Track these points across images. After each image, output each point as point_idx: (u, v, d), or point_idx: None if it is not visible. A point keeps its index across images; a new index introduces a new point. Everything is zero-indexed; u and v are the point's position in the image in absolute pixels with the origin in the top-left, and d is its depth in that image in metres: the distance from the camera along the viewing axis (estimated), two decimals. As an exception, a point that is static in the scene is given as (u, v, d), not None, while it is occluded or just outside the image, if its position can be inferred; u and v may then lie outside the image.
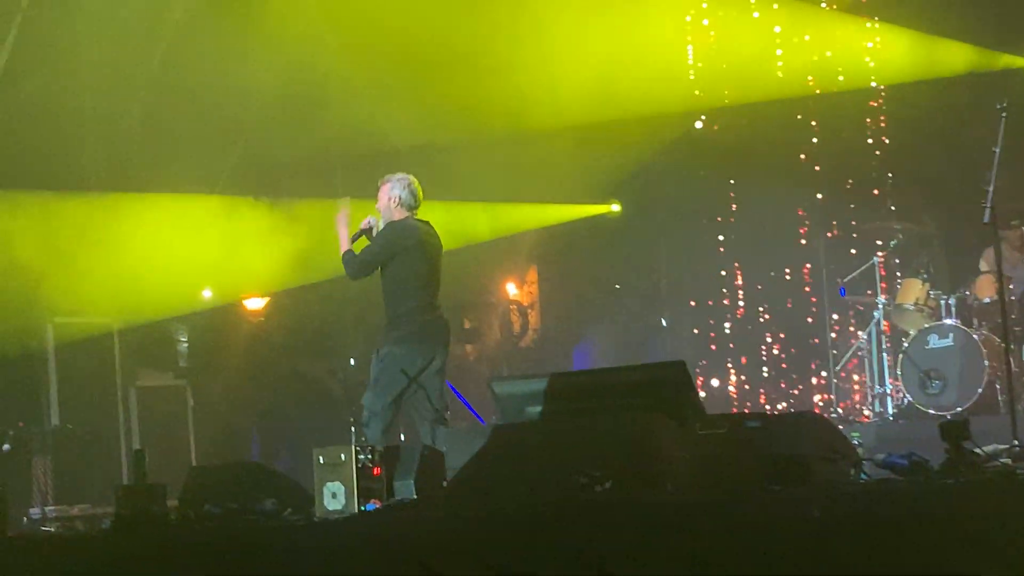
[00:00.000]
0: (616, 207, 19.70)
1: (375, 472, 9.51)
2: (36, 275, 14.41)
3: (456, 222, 17.52)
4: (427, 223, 11.03)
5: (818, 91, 17.45)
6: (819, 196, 17.44)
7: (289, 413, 15.65)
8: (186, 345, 16.16)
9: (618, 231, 19.33)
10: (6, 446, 13.56)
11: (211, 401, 15.35)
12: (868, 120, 17.28)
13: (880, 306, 14.94)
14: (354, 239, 11.02)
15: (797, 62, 17.49)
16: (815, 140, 17.49)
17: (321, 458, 9.53)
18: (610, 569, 6.96)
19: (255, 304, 16.70)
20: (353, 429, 10.28)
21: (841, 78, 17.39)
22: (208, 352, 15.71)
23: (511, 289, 20.60)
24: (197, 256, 15.45)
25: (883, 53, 17.27)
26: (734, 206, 18.19)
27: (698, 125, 18.43)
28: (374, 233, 11.00)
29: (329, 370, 15.14)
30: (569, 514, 7.97)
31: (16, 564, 9.60)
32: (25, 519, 12.93)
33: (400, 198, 10.85)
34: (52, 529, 12.15)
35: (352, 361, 15.10)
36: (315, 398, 15.46)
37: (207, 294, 16.70)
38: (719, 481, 8.24)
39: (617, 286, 20.09)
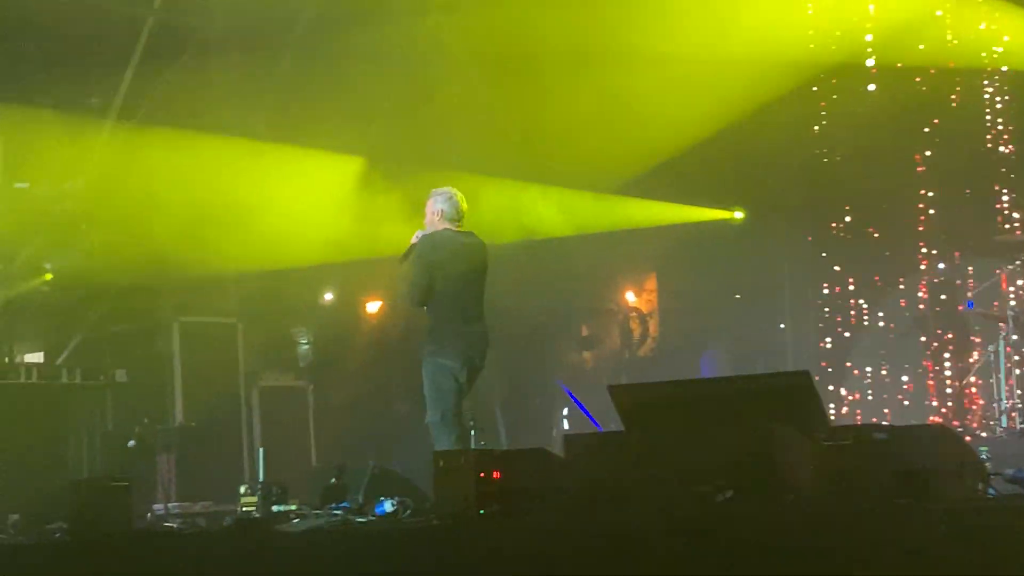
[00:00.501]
0: (739, 214, 19.53)
1: (494, 476, 9.46)
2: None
3: (566, 211, 17.54)
4: (470, 233, 10.99)
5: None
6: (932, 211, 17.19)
7: (408, 416, 15.69)
8: (307, 346, 16.28)
9: (740, 239, 19.17)
10: (131, 442, 13.76)
11: (332, 402, 15.45)
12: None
13: (1009, 319, 14.64)
14: (407, 255, 10.94)
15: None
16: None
17: (441, 461, 9.50)
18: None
19: (374, 307, 16.79)
20: (473, 433, 10.25)
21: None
22: (329, 354, 15.81)
23: (630, 296, 20.52)
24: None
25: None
26: (848, 217, 17.99)
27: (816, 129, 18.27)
28: None
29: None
30: (690, 523, 7.89)
31: (140, 559, 9.72)
32: (149, 515, 13.10)
33: (443, 211, 10.82)
34: (175, 525, 12.28)
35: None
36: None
37: (328, 296, 16.84)
38: (844, 493, 8.09)
39: (737, 296, 19.93)
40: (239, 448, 14.44)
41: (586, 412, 16.50)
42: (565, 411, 18.13)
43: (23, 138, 14.31)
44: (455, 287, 10.82)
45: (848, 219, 18.03)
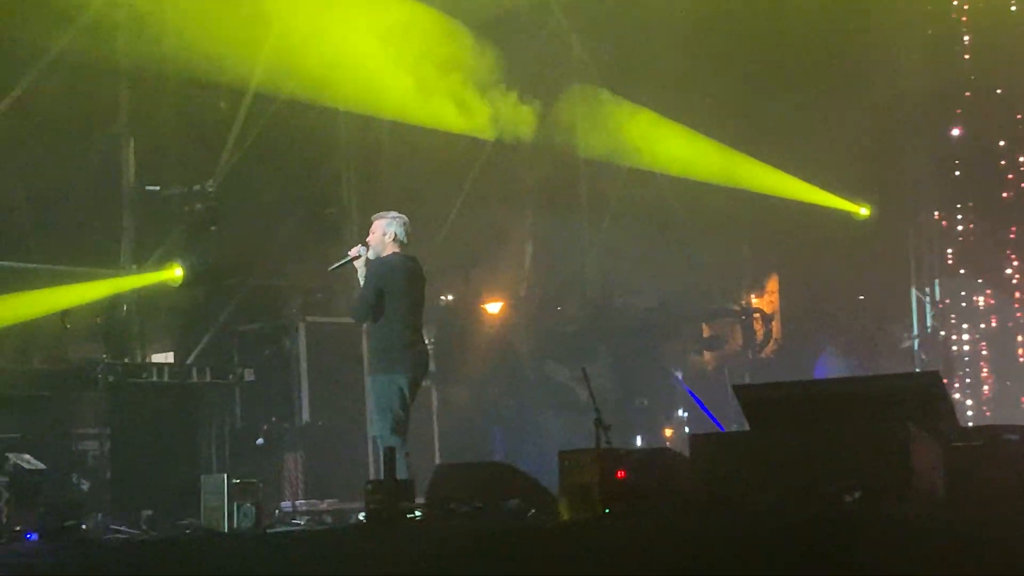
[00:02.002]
0: (865, 211, 19.29)
1: (619, 475, 9.43)
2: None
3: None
4: (414, 258, 11.42)
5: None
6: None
7: (533, 415, 15.72)
8: (431, 346, 16.37)
9: (865, 239, 18.95)
10: (260, 440, 13.91)
11: (455, 401, 15.50)
12: None
13: None
14: (342, 264, 11.44)
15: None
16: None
17: (566, 460, 9.49)
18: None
19: (495, 308, 16.85)
20: (597, 433, 10.20)
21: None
22: (453, 354, 15.87)
23: (753, 298, 20.39)
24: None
25: None
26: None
27: (955, 133, 18.02)
28: (363, 261, 11.29)
29: (574, 375, 15.15)
30: (817, 524, 7.79)
31: (270, 556, 9.82)
32: (277, 512, 13.23)
33: (396, 235, 11.30)
34: (302, 523, 12.40)
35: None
36: (559, 401, 15.49)
37: (445, 300, 16.93)
38: (975, 495, 7.97)
39: (861, 297, 19.71)
40: (364, 446, 14.52)
41: (708, 412, 16.41)
42: (682, 411, 18.04)
43: (154, 141, 14.55)
44: (405, 308, 11.19)
45: (975, 219, 17.76)
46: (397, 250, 11.32)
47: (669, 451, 9.98)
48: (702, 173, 18.21)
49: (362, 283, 11.27)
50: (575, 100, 17.61)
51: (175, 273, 14.19)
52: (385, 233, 11.33)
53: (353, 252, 11.38)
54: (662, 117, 17.97)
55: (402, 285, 11.20)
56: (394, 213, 11.46)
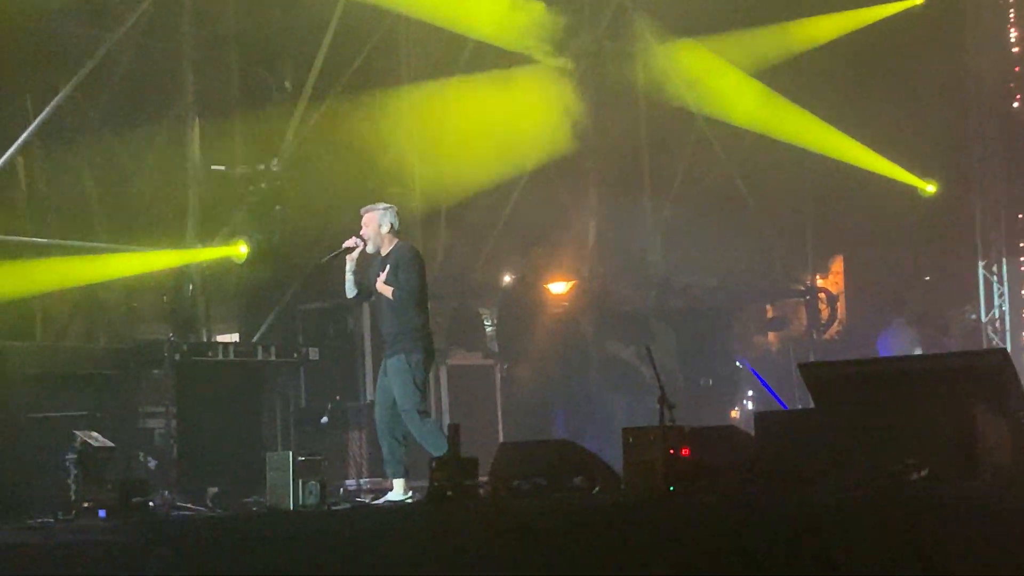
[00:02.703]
0: (931, 187, 19.14)
1: (684, 453, 9.45)
2: None
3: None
4: None
5: None
6: None
7: (596, 393, 15.73)
8: (492, 326, 16.42)
9: (930, 218, 18.83)
10: (324, 419, 13.99)
11: (518, 380, 15.53)
12: None
13: None
14: (334, 256, 11.86)
15: None
16: None
17: (631, 437, 9.51)
18: (932, 562, 6.76)
19: (559, 288, 16.86)
20: (661, 410, 10.22)
21: None
22: (515, 333, 15.91)
23: (818, 278, 20.30)
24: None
25: None
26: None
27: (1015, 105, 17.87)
28: (355, 254, 11.70)
29: (638, 354, 15.15)
30: (883, 501, 7.78)
31: (334, 532, 9.90)
32: (341, 490, 13.31)
33: (392, 225, 11.77)
34: (367, 500, 12.47)
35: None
36: (623, 380, 15.49)
37: (507, 279, 16.96)
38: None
39: (927, 277, 19.59)
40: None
41: (772, 392, 16.36)
42: (750, 392, 17.99)
43: (219, 121, 14.64)
44: (426, 296, 11.83)
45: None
46: (396, 239, 11.76)
47: (734, 429, 9.99)
48: (774, 129, 18.13)
49: (351, 276, 11.73)
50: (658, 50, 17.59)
51: (240, 250, 14.30)
52: (380, 224, 11.74)
53: (349, 243, 11.73)
54: (736, 69, 17.93)
55: (424, 274, 11.81)
56: (383, 204, 11.89)
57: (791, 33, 18.15)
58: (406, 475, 11.52)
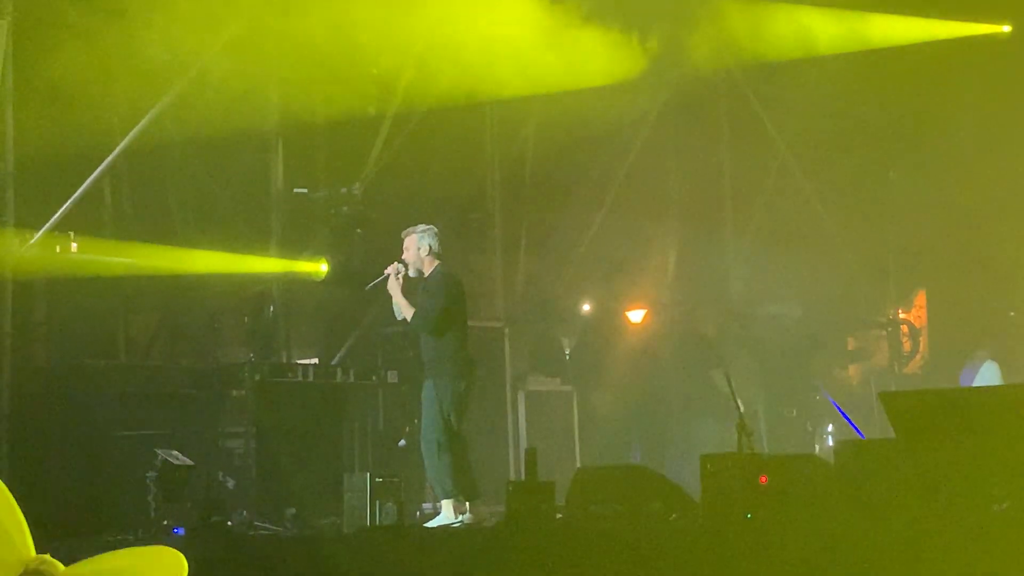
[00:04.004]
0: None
1: (762, 480, 9.41)
2: None
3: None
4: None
5: None
6: None
7: (675, 421, 15.71)
8: (571, 355, 16.45)
9: (1017, 249, 18.65)
10: (402, 442, 14.04)
11: (596, 407, 15.54)
12: None
13: None
14: (378, 283, 11.74)
15: None
16: None
17: (708, 464, 9.49)
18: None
19: (637, 316, 16.86)
20: (739, 438, 10.20)
21: None
22: (594, 360, 15.92)
23: (900, 312, 20.13)
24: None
25: None
26: None
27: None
28: (400, 278, 11.57)
29: (718, 383, 15.11)
30: (966, 532, 7.72)
31: (410, 553, 9.94)
32: (418, 513, 13.35)
33: (431, 247, 11.65)
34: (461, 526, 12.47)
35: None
36: (702, 407, 15.45)
37: (587, 307, 16.98)
38: None
39: (1012, 312, 19.36)
40: (504, 448, 14.61)
41: (852, 424, 16.23)
42: (830, 427, 17.86)
43: (303, 144, 14.79)
44: (464, 321, 11.71)
45: None
46: (437, 262, 11.67)
47: (813, 457, 9.93)
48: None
49: (398, 300, 11.59)
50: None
51: (320, 268, 14.42)
52: (420, 248, 11.65)
53: (390, 270, 11.68)
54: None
55: (464, 298, 11.69)
56: (423, 226, 11.77)
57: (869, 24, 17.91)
58: (455, 496, 11.43)
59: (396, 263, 11.66)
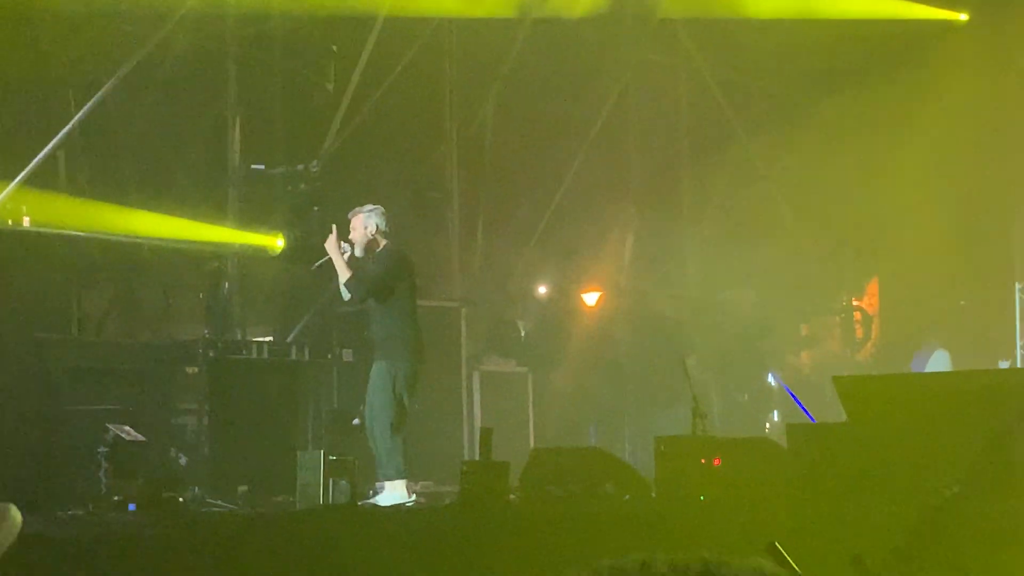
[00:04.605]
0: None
1: (715, 463, 9.46)
2: None
3: None
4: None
5: None
6: None
7: (630, 404, 15.75)
8: (526, 336, 16.47)
9: (965, 238, 18.76)
10: (356, 420, 14.01)
11: (552, 389, 15.56)
12: None
13: None
14: (323, 261, 11.64)
15: None
16: None
17: (662, 446, 9.53)
18: None
19: (592, 298, 16.89)
20: (694, 421, 10.24)
21: None
22: (549, 342, 15.95)
23: (853, 300, 20.22)
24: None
25: None
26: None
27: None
28: (347, 258, 11.44)
29: (672, 366, 15.17)
30: (917, 516, 7.77)
31: (364, 533, 9.94)
32: (371, 492, 13.32)
33: (378, 226, 11.52)
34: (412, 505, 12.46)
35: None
36: (656, 390, 15.51)
37: (543, 289, 17.00)
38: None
39: (962, 302, 19.49)
40: (459, 428, 14.61)
41: (804, 409, 16.32)
42: (775, 414, 17.94)
43: (260, 121, 14.73)
44: (413, 299, 11.62)
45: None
46: (386, 241, 11.55)
47: (767, 441, 9.99)
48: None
49: (345, 278, 11.46)
50: None
51: (277, 243, 14.37)
52: (367, 227, 11.55)
53: (341, 248, 11.53)
54: None
55: (412, 276, 11.58)
56: (370, 206, 11.66)
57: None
58: (406, 476, 11.45)
59: (342, 242, 11.56)
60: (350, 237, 11.58)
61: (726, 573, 1.85)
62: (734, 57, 17.84)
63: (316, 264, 11.92)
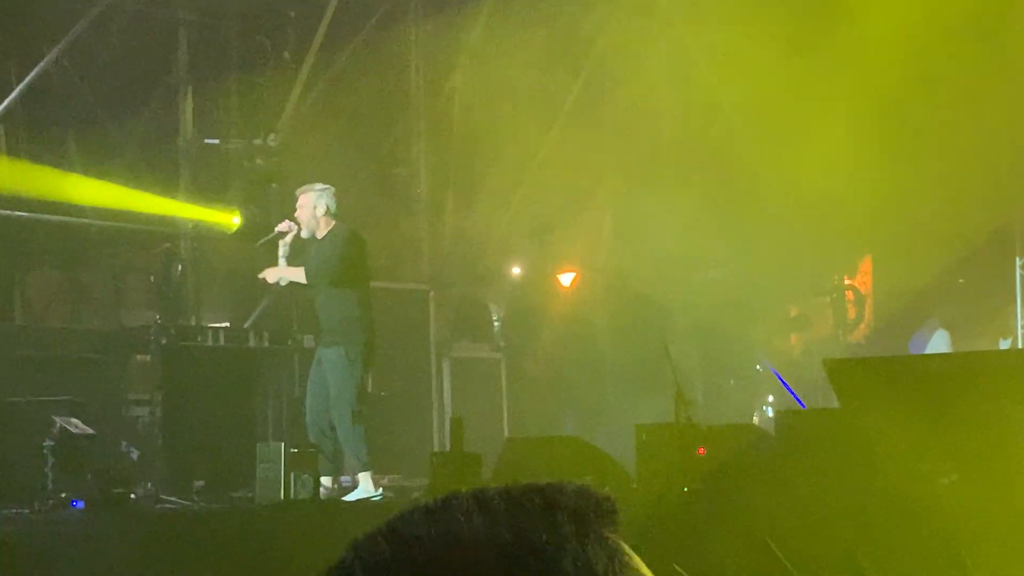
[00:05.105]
0: None
1: (699, 452, 9.47)
2: None
3: None
4: None
5: None
6: None
7: (609, 390, 15.76)
8: (498, 320, 16.45)
9: (965, 216, 18.81)
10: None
11: (526, 375, 15.56)
12: None
13: None
14: (269, 240, 11.69)
15: None
16: None
17: (644, 435, 9.53)
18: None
19: (567, 279, 16.88)
20: (677, 408, 10.23)
21: None
22: (523, 325, 15.94)
23: (845, 278, 20.25)
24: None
25: None
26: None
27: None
28: (289, 238, 11.49)
29: (654, 350, 15.17)
30: (912, 504, 7.79)
31: (327, 528, 9.92)
32: (336, 486, 13.30)
33: (328, 208, 11.48)
34: (381, 499, 12.45)
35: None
36: (635, 376, 15.52)
37: (516, 270, 16.98)
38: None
39: (961, 280, 19.54)
40: (429, 419, 14.60)
41: (794, 395, 16.35)
42: (771, 398, 17.98)
43: (214, 92, 14.67)
44: (366, 283, 11.69)
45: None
46: (333, 222, 11.52)
47: (754, 428, 10.00)
48: None
49: (283, 261, 11.51)
50: None
51: (232, 220, 14.31)
52: (316, 207, 11.50)
53: (282, 227, 11.59)
54: None
55: (366, 257, 11.63)
56: (320, 185, 11.63)
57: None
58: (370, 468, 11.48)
59: (288, 221, 11.56)
60: (296, 215, 11.54)
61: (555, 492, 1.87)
62: (717, 23, 17.82)
63: (260, 242, 11.89)
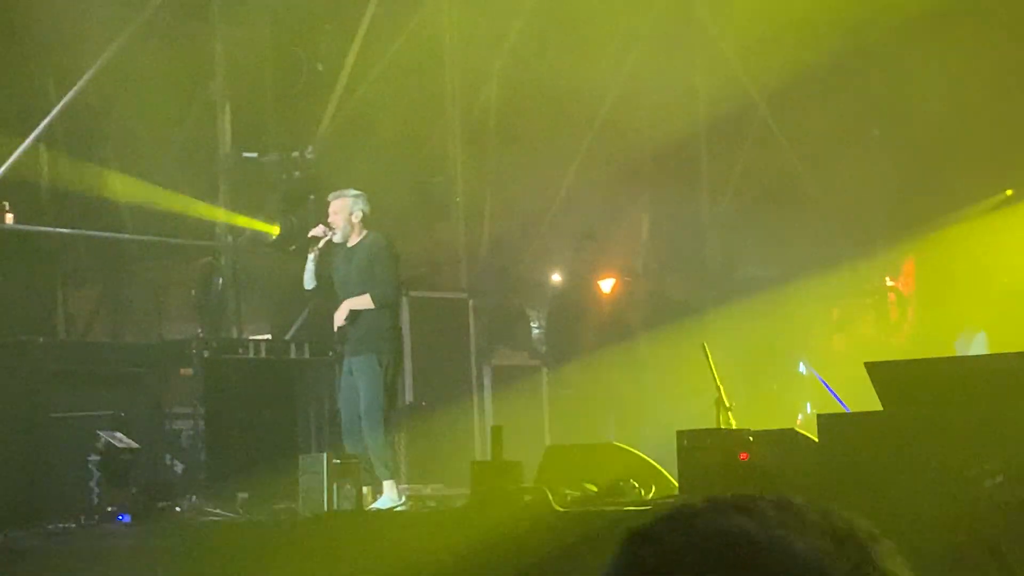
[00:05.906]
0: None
1: (741, 457, 9.45)
2: None
3: None
4: None
5: None
6: None
7: (650, 395, 15.73)
8: (537, 327, 16.45)
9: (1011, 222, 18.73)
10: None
11: (567, 382, 15.55)
12: None
13: None
14: (299, 247, 11.89)
15: None
16: None
17: (685, 440, 9.52)
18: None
19: (607, 285, 16.87)
20: (718, 413, 10.23)
21: None
22: (563, 332, 15.93)
23: (888, 279, 20.17)
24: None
25: None
26: None
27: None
28: (320, 244, 11.52)
29: (694, 353, 15.13)
30: (957, 508, 7.76)
31: (370, 538, 9.96)
32: (378, 496, 13.33)
33: (364, 214, 11.49)
34: (405, 507, 12.48)
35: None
36: (675, 381, 15.48)
37: (556, 277, 16.99)
38: None
39: (1004, 279, 19.43)
40: (470, 428, 14.59)
41: (837, 398, 16.29)
42: (809, 404, 17.92)
43: (251, 107, 14.72)
44: (398, 290, 11.85)
45: None
46: (365, 231, 11.56)
47: (795, 432, 9.95)
48: None
49: (311, 263, 11.55)
50: None
51: (272, 230, 14.39)
52: (352, 213, 11.51)
53: (316, 232, 11.60)
54: None
55: (398, 268, 11.71)
56: (354, 191, 11.64)
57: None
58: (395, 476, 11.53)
59: (321, 226, 11.57)
60: (330, 221, 11.55)
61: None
62: (751, 24, 17.78)
63: (294, 247, 11.95)
